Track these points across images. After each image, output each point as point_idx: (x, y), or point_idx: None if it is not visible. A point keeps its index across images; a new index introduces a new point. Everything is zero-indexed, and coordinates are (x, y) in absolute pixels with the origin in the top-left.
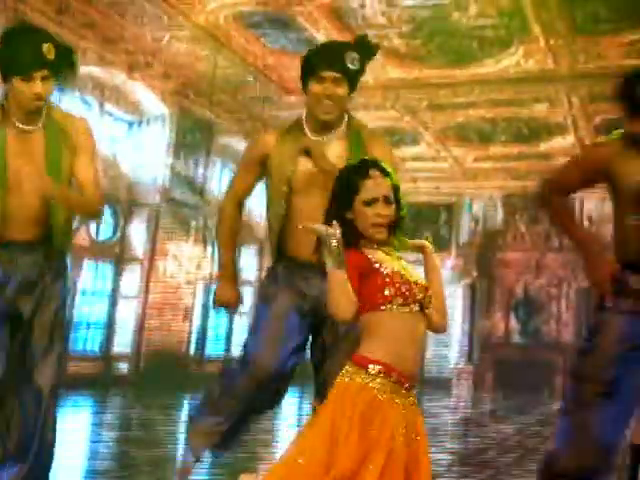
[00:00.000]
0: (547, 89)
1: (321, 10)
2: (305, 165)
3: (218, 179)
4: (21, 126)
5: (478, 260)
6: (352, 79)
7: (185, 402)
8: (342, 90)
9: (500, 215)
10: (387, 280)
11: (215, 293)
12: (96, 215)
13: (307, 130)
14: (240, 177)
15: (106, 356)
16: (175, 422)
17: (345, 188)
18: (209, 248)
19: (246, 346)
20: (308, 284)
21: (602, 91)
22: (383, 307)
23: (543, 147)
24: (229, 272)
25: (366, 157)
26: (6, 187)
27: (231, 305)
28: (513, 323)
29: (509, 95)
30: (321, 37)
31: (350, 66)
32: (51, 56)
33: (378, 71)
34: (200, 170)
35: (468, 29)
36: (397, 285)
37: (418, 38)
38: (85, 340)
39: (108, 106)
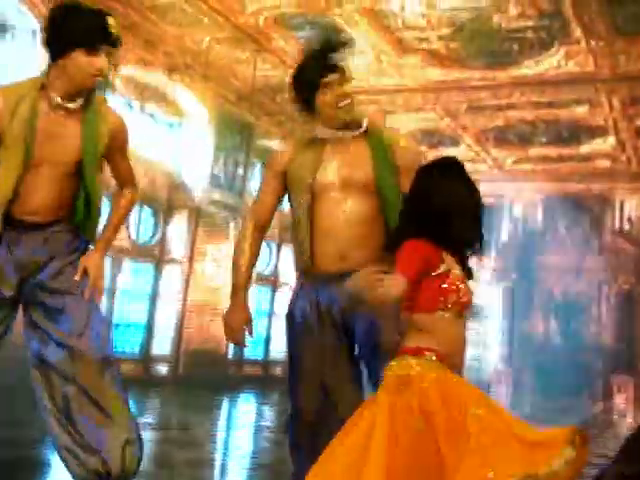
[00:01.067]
0: (587, 91)
1: (361, 13)
2: (325, 174)
3: (258, 180)
4: (61, 102)
5: (517, 262)
6: (346, 72)
7: (224, 404)
8: (348, 86)
9: (540, 217)
10: (453, 287)
11: (224, 320)
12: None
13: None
14: (259, 200)
15: (146, 358)
16: (214, 424)
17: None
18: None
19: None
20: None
21: None
22: (441, 312)
23: (583, 149)
24: (240, 298)
25: (388, 158)
26: (28, 165)
27: (238, 338)
28: (553, 325)
29: (549, 97)
30: (361, 39)
31: (340, 63)
32: (116, 31)
33: (418, 73)
34: (240, 171)
35: (508, 31)
36: (460, 293)
37: (458, 40)
38: (125, 342)
39: (148, 107)
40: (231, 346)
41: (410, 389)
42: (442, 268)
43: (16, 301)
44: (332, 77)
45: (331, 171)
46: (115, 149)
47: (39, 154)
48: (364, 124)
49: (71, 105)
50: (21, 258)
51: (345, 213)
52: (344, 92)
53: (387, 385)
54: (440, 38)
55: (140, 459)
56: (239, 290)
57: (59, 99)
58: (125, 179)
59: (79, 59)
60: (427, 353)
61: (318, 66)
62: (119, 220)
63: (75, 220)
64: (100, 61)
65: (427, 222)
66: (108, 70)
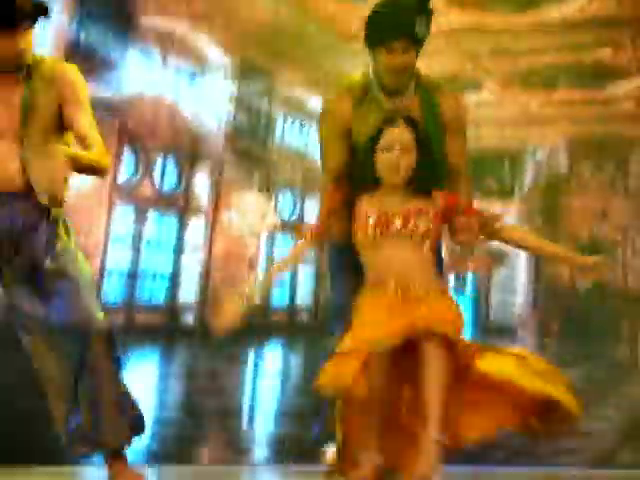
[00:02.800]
0: (611, 33)
1: None
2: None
3: (281, 129)
4: None
5: (542, 206)
6: (421, 43)
7: (250, 352)
8: (412, 57)
9: (564, 161)
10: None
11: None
12: (105, 172)
13: (382, 95)
14: (328, 154)
15: (171, 307)
16: (240, 372)
17: None
18: (273, 199)
19: None
20: None
21: None
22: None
23: (608, 92)
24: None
25: (437, 113)
26: None
27: None
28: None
29: (572, 40)
30: None
31: (419, 33)
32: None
33: (440, 18)
34: (263, 121)
35: None
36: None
37: None
38: (150, 291)
39: (170, 57)
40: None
41: None
42: None
43: None
44: (399, 44)
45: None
46: (71, 102)
47: None
48: (412, 85)
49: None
50: None
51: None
52: (405, 61)
53: None
54: None
55: (134, 429)
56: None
57: None
58: (85, 140)
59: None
60: None
61: (391, 25)
62: (89, 160)
63: None
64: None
65: None
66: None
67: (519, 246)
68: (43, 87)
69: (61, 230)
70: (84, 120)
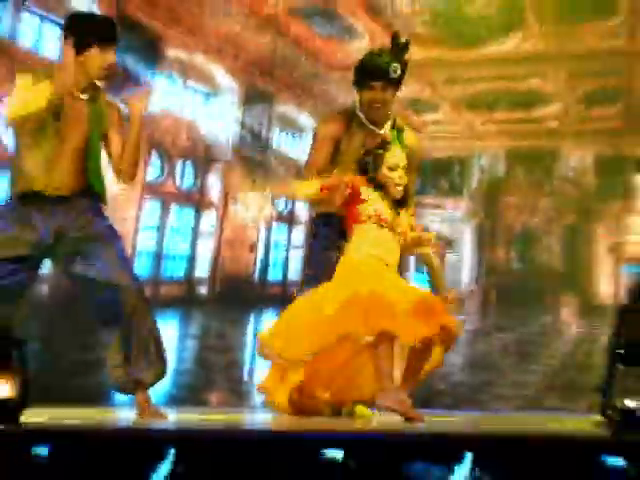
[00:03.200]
0: (539, 66)
1: (358, 4)
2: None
3: (277, 140)
4: (76, 94)
5: (485, 203)
6: (397, 83)
7: (251, 317)
8: (389, 95)
9: (502, 167)
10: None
11: None
12: (132, 179)
13: (367, 123)
14: (317, 151)
15: (189, 280)
16: (244, 333)
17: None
18: (270, 195)
19: None
20: None
21: (583, 68)
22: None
23: (536, 113)
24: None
25: (404, 147)
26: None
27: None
28: (513, 254)
29: (509, 72)
30: (360, 26)
31: (393, 75)
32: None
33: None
34: (263, 133)
35: (477, 17)
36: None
37: (437, 25)
38: (172, 269)
39: (189, 82)
40: (256, 271)
41: None
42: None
43: (37, 261)
44: (377, 83)
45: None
46: (116, 130)
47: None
48: (390, 124)
49: (84, 96)
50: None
51: None
52: (382, 98)
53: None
54: (423, 23)
55: (161, 374)
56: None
57: (77, 92)
58: (117, 154)
59: (93, 55)
60: None
61: (371, 70)
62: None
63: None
64: (110, 57)
65: None
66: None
67: (427, 266)
68: (104, 110)
69: (105, 218)
70: (121, 141)
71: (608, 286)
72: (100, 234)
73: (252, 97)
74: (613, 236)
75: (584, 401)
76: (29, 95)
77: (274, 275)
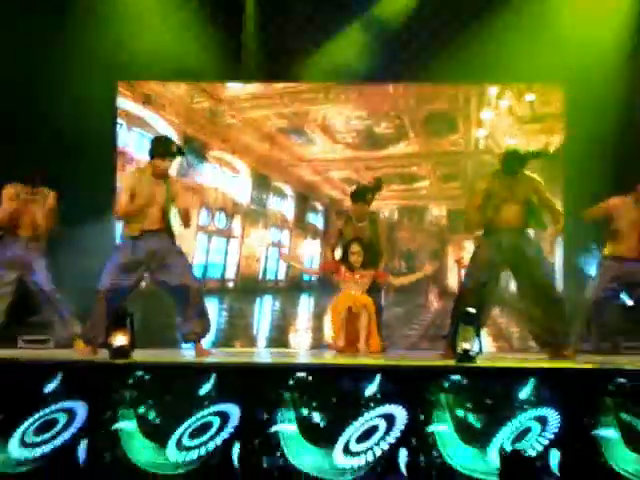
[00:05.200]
0: (416, 159)
1: (316, 126)
2: None
3: (276, 202)
4: (155, 181)
5: (387, 233)
6: (370, 202)
7: (259, 302)
8: (366, 208)
9: (395, 216)
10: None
11: None
12: (188, 226)
13: (354, 221)
14: (331, 234)
15: (222, 279)
16: (254, 310)
17: None
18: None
19: None
20: None
21: (441, 161)
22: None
23: (414, 186)
24: None
25: (376, 228)
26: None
27: None
28: (403, 264)
29: (400, 162)
30: (316, 138)
31: (370, 200)
32: (175, 151)
33: (345, 152)
34: (263, 196)
35: (383, 133)
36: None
37: (360, 137)
38: (213, 272)
39: (224, 168)
40: (260, 274)
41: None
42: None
43: (142, 271)
44: (358, 205)
45: None
46: (178, 194)
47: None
48: (367, 219)
49: (160, 181)
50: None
51: None
52: (362, 211)
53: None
54: (351, 137)
55: (208, 330)
56: None
57: (155, 178)
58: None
59: (157, 163)
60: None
61: (357, 197)
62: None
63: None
64: (168, 165)
65: None
66: (169, 167)
67: (401, 285)
68: (171, 186)
69: (177, 246)
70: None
71: (454, 281)
72: (175, 254)
73: (255, 175)
74: (457, 253)
75: (441, 344)
76: (133, 192)
77: (270, 275)
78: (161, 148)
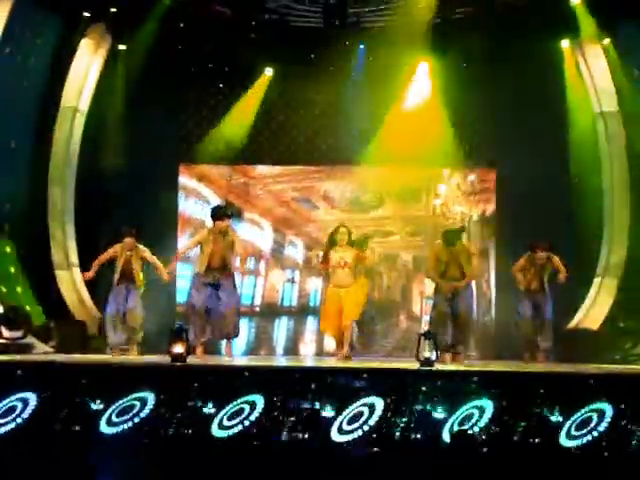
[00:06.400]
0: (388, 221)
1: (319, 196)
2: None
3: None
4: (218, 234)
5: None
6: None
7: (280, 319)
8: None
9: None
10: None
11: None
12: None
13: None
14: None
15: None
16: (274, 325)
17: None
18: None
19: None
20: None
21: (409, 222)
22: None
23: (387, 239)
24: None
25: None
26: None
27: None
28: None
29: (377, 222)
30: (320, 204)
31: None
32: (229, 214)
33: (343, 216)
34: (275, 246)
35: (366, 201)
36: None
37: (351, 204)
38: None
39: (255, 226)
40: (279, 300)
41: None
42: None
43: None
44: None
45: None
46: (234, 241)
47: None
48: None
49: (222, 234)
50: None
51: None
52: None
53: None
54: (346, 204)
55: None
56: None
57: (219, 233)
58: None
59: (217, 223)
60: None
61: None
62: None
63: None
64: (226, 224)
65: None
66: (228, 226)
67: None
68: (230, 237)
69: (232, 275)
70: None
71: (418, 307)
72: (231, 281)
73: (275, 233)
74: (420, 287)
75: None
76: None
77: (286, 302)
78: (219, 213)
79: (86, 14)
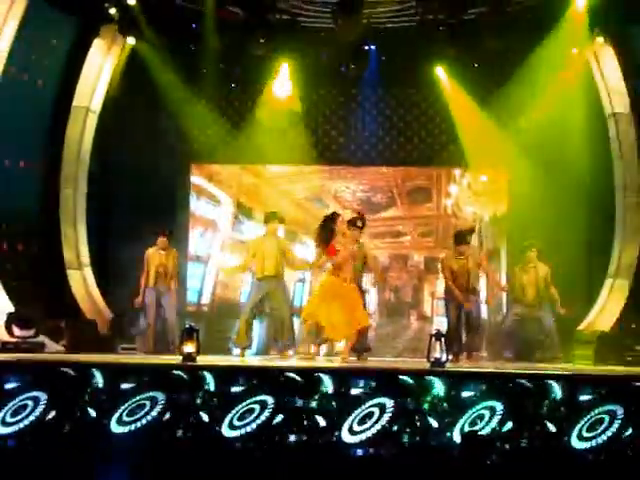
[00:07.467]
0: (400, 221)
1: (330, 196)
2: None
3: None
4: (270, 239)
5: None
6: (361, 229)
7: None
8: (357, 232)
9: (386, 261)
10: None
11: None
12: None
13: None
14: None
15: (198, 303)
16: (231, 324)
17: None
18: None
19: None
20: None
21: (420, 223)
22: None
23: (399, 240)
24: None
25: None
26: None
27: None
28: None
29: (389, 223)
30: (330, 203)
31: (359, 226)
32: (278, 218)
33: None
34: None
35: (374, 203)
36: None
37: (361, 205)
38: (194, 296)
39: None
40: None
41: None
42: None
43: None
44: (356, 230)
45: None
46: (286, 248)
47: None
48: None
49: (270, 239)
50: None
51: None
52: (355, 234)
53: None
54: (357, 205)
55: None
56: None
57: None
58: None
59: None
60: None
61: (358, 224)
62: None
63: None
64: (274, 226)
65: None
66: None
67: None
68: (281, 243)
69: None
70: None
71: (429, 308)
72: (283, 289)
73: (287, 232)
74: (431, 288)
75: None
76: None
77: (296, 302)
78: (269, 218)
79: (99, 14)
